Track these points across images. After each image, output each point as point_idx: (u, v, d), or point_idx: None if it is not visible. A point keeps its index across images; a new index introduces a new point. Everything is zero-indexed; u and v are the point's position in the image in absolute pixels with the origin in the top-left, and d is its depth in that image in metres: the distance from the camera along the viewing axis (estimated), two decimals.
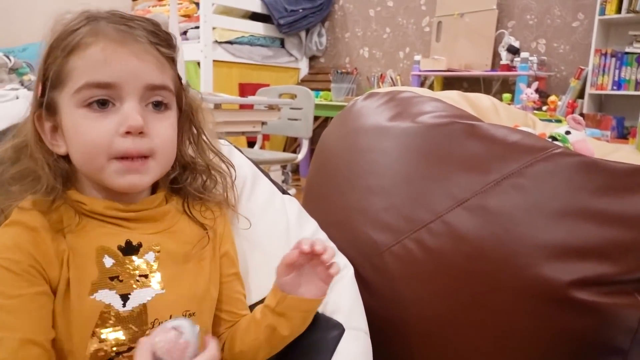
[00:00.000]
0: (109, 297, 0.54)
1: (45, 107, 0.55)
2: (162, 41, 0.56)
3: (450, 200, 0.85)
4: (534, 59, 2.97)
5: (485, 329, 0.82)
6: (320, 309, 0.78)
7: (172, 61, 0.59)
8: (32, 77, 2.35)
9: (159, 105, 0.57)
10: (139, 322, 0.55)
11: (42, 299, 0.51)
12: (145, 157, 0.55)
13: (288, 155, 2.71)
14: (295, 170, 3.57)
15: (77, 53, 0.53)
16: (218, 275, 0.66)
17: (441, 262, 0.83)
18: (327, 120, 3.83)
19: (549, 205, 0.79)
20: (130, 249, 0.57)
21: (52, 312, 0.52)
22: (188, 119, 0.64)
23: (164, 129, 0.57)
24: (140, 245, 0.58)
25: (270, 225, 0.81)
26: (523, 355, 0.81)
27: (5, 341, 0.47)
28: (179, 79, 0.62)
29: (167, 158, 0.59)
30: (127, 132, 0.53)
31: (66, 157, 0.57)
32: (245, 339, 0.64)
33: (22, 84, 2.26)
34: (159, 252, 0.59)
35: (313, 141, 2.51)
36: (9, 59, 2.31)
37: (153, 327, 0.55)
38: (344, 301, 0.79)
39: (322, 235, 0.87)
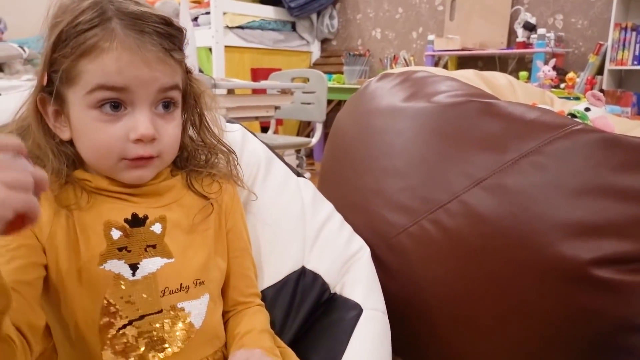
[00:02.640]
0: (118, 266, 0.55)
1: (50, 94, 0.55)
2: (174, 44, 0.56)
3: (468, 180, 0.84)
4: (551, 35, 2.90)
5: (504, 309, 0.82)
6: (337, 290, 0.79)
7: (183, 59, 0.59)
8: None
9: (168, 106, 0.58)
10: (149, 290, 0.56)
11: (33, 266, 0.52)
12: (153, 157, 0.57)
13: (302, 139, 2.70)
14: (309, 154, 3.56)
15: (90, 57, 0.52)
16: (225, 248, 0.66)
17: (459, 242, 0.82)
18: (340, 103, 3.80)
19: (568, 183, 0.78)
20: (136, 221, 0.58)
21: (63, 287, 0.54)
22: (191, 105, 0.65)
23: (171, 130, 0.58)
24: (146, 217, 0.59)
25: (285, 208, 0.81)
26: (542, 334, 0.80)
27: None
28: (186, 68, 0.62)
29: (172, 155, 0.61)
30: (138, 140, 0.54)
31: (69, 141, 0.58)
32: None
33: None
34: (165, 223, 0.60)
35: (326, 125, 2.50)
36: (24, 50, 2.33)
37: (164, 295, 0.56)
38: (360, 282, 0.79)
39: (338, 217, 0.87)
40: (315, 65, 4.12)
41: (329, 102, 3.34)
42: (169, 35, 0.55)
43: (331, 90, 2.94)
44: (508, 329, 0.83)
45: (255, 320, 0.66)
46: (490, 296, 0.81)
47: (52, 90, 0.54)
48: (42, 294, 0.53)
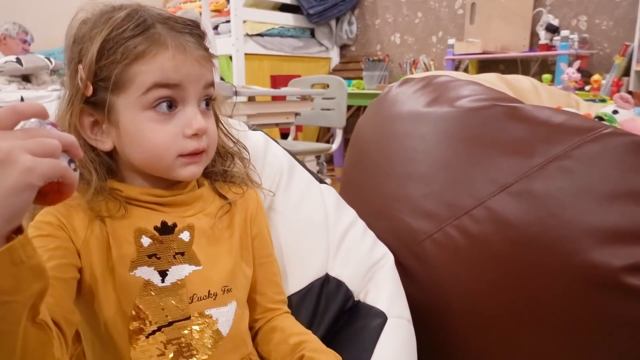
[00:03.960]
0: (148, 273, 0.56)
1: (95, 105, 0.56)
2: (205, 44, 0.60)
3: (493, 186, 0.82)
4: (575, 37, 2.85)
5: (531, 317, 0.80)
6: (361, 297, 0.78)
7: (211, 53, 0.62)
8: None
9: (208, 103, 0.61)
10: (178, 297, 0.57)
11: (68, 270, 0.53)
12: (203, 150, 0.60)
13: (322, 145, 2.70)
14: (330, 160, 3.56)
15: (144, 59, 0.54)
16: (251, 255, 0.67)
17: (484, 248, 0.81)
18: (359, 109, 3.80)
19: (598, 188, 0.76)
20: (166, 229, 0.59)
21: (95, 292, 0.55)
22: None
23: (212, 125, 0.61)
24: (175, 225, 0.60)
25: (308, 214, 0.81)
26: (572, 344, 0.78)
27: None
28: None
29: (214, 150, 0.64)
30: (194, 134, 0.57)
31: (108, 152, 0.59)
32: None
33: (63, 85, 2.34)
34: (193, 231, 0.61)
35: (346, 131, 2.50)
36: (50, 61, 2.39)
37: (192, 302, 0.57)
38: (384, 290, 0.78)
39: (361, 224, 0.87)
40: (335, 71, 4.12)
41: (349, 107, 3.33)
42: (201, 36, 0.59)
43: (351, 96, 2.94)
44: (536, 338, 0.81)
45: (298, 327, 0.67)
46: (517, 304, 0.79)
47: (94, 100, 0.55)
48: (75, 296, 0.54)
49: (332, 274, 0.77)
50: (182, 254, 0.59)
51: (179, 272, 0.58)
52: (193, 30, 0.58)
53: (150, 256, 0.57)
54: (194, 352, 0.56)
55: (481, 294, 0.82)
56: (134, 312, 0.55)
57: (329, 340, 0.73)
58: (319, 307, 0.74)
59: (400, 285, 0.81)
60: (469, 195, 0.85)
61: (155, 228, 0.59)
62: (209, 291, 0.59)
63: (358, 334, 0.72)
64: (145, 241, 0.58)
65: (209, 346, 0.57)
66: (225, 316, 0.59)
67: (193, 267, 0.59)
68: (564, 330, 0.78)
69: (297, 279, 0.75)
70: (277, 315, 0.68)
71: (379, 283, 0.78)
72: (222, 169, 0.68)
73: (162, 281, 0.57)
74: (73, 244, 0.54)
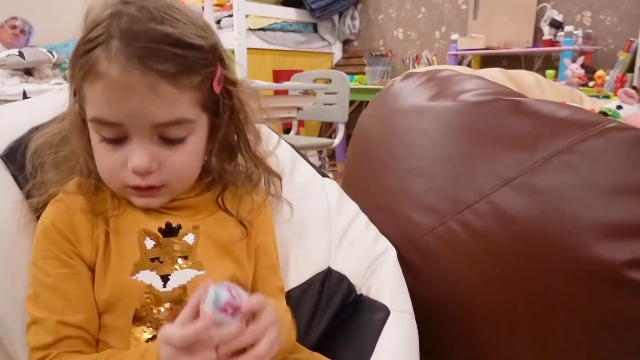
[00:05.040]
0: (150, 277, 0.56)
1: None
2: (185, 67, 0.50)
3: (496, 180, 0.82)
4: (579, 32, 2.83)
5: (534, 312, 0.80)
6: (364, 292, 0.78)
7: (200, 81, 0.53)
8: None
9: (170, 141, 0.53)
10: (179, 302, 0.56)
11: (77, 278, 0.54)
12: (156, 186, 0.55)
13: (324, 140, 2.70)
14: (332, 155, 3.56)
15: (88, 81, 0.50)
16: (252, 263, 0.65)
17: (487, 243, 0.81)
18: (362, 104, 3.79)
19: (602, 183, 0.75)
20: (170, 231, 0.58)
21: (97, 293, 0.55)
22: (225, 121, 0.60)
23: (178, 161, 0.54)
24: (179, 227, 0.59)
25: (311, 208, 0.81)
26: (575, 338, 0.78)
27: (46, 323, 0.52)
28: (222, 80, 0.57)
29: (183, 183, 0.59)
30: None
31: None
32: None
33: (66, 78, 2.34)
34: (198, 234, 0.60)
35: (349, 126, 2.49)
36: (53, 55, 2.39)
37: None
38: (387, 284, 0.78)
39: (363, 218, 0.86)
40: (337, 66, 4.11)
41: (351, 102, 3.32)
42: (177, 57, 0.49)
43: (353, 91, 2.93)
44: (538, 333, 0.81)
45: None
46: (519, 298, 0.79)
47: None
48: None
49: (335, 267, 0.77)
50: (186, 257, 0.58)
51: (181, 276, 0.57)
52: (167, 50, 0.48)
53: (153, 259, 0.57)
54: None
55: (483, 288, 0.82)
56: (134, 316, 0.54)
57: (330, 334, 0.73)
58: (320, 301, 0.74)
59: (402, 280, 0.80)
60: (471, 190, 0.85)
61: (160, 230, 0.58)
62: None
63: (360, 327, 0.72)
64: (149, 243, 0.57)
65: None
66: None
67: (196, 272, 0.58)
68: (566, 325, 0.78)
69: (299, 273, 0.75)
70: None
71: (381, 277, 0.78)
72: (238, 182, 0.64)
73: (164, 286, 0.56)
74: (76, 248, 0.55)
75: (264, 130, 0.81)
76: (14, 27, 3.18)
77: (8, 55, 2.22)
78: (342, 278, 0.76)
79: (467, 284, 0.83)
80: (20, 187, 0.61)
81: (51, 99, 0.74)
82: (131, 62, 0.47)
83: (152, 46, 0.48)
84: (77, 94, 0.53)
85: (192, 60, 0.51)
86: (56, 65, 2.47)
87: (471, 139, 0.90)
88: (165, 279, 0.56)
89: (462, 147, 0.91)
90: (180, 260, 0.58)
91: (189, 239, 0.59)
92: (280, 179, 0.69)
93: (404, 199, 0.94)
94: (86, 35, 0.50)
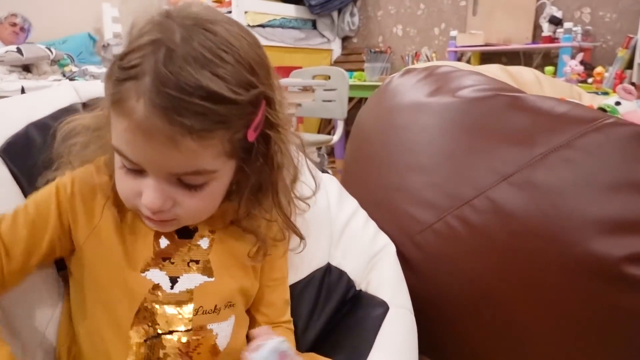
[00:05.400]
0: (158, 277, 0.55)
1: None
2: (215, 123, 0.46)
3: (494, 176, 0.82)
4: (578, 29, 2.83)
5: (532, 308, 0.80)
6: (363, 287, 0.78)
7: (231, 134, 0.49)
8: (73, 69, 2.42)
9: (188, 186, 0.50)
10: (184, 307, 0.55)
11: (42, 240, 0.54)
12: (169, 219, 0.53)
13: (323, 137, 2.70)
14: (330, 152, 3.56)
15: (115, 110, 0.47)
16: (258, 274, 0.64)
17: (485, 239, 0.81)
18: (361, 101, 3.78)
19: (600, 178, 0.76)
20: (186, 233, 0.57)
21: (99, 284, 0.54)
22: (259, 169, 0.55)
23: (193, 203, 0.51)
24: (196, 230, 0.58)
25: (310, 204, 0.81)
26: (573, 334, 0.78)
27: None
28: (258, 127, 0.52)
29: (196, 220, 0.57)
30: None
31: None
32: None
33: (64, 75, 2.34)
34: (213, 240, 0.59)
35: (348, 122, 2.49)
36: (51, 51, 2.38)
37: (197, 314, 0.55)
38: (386, 279, 0.78)
39: (362, 214, 0.86)
40: (336, 63, 4.10)
41: (350, 99, 3.32)
42: (208, 113, 0.45)
43: (352, 87, 2.92)
44: (537, 328, 0.81)
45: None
46: (518, 294, 0.79)
47: None
48: (77, 281, 0.55)
49: (334, 263, 0.77)
50: (197, 262, 0.57)
51: (189, 281, 0.56)
52: (196, 104, 0.44)
53: (164, 259, 0.56)
54: None
55: (482, 284, 0.82)
56: (137, 314, 0.53)
57: (330, 329, 0.73)
58: (320, 297, 0.74)
59: (401, 275, 0.81)
60: (469, 185, 0.85)
61: (176, 230, 0.57)
62: (216, 306, 0.56)
63: (359, 323, 0.72)
64: (163, 242, 0.56)
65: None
66: (225, 331, 0.57)
67: (205, 278, 0.57)
68: (565, 321, 0.78)
69: (298, 269, 0.75)
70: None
71: (380, 273, 0.78)
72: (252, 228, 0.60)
73: (172, 287, 0.55)
74: (72, 222, 0.55)
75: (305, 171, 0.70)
76: (14, 24, 3.16)
77: (6, 52, 2.21)
78: (341, 274, 0.76)
79: (466, 279, 0.84)
80: (18, 182, 0.61)
81: (48, 94, 0.74)
82: (157, 111, 0.44)
83: (183, 98, 0.43)
84: (108, 110, 0.50)
85: (226, 115, 0.46)
86: (55, 62, 2.47)
87: (470, 135, 0.90)
88: (173, 280, 0.55)
89: (460, 143, 0.91)
90: (191, 264, 0.57)
91: (204, 243, 0.58)
92: (302, 239, 0.65)
93: (403, 195, 0.95)
94: (124, 57, 0.47)
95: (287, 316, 0.67)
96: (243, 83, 0.47)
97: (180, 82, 0.44)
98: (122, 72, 0.46)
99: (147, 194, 0.49)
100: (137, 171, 0.50)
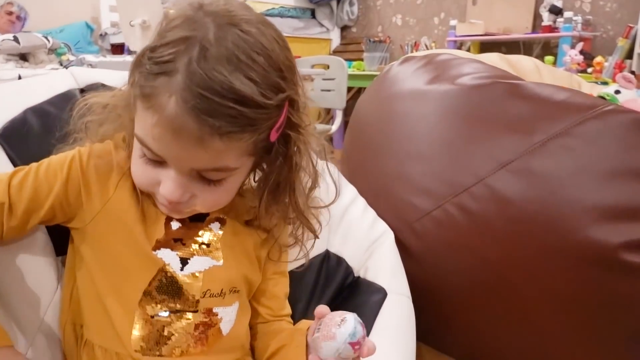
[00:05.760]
0: (169, 257, 0.55)
1: None
2: (244, 125, 0.46)
3: (493, 163, 0.82)
4: (578, 18, 2.82)
5: (530, 294, 0.80)
6: (361, 274, 0.78)
7: (257, 135, 0.49)
8: (70, 57, 2.41)
9: (207, 180, 0.51)
10: (192, 288, 0.55)
11: (43, 208, 0.54)
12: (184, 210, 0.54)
13: (321, 126, 2.69)
14: (329, 142, 3.55)
15: (143, 103, 0.47)
16: (262, 265, 0.64)
17: (484, 226, 0.81)
18: (360, 91, 3.77)
19: (598, 166, 0.76)
20: (198, 216, 0.58)
21: (108, 259, 0.55)
22: (279, 168, 0.56)
23: (210, 197, 0.53)
24: (207, 214, 0.59)
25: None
26: (571, 321, 0.79)
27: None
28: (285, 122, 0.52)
29: (214, 209, 0.57)
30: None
31: None
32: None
33: (61, 64, 2.32)
34: (224, 224, 0.60)
35: (346, 112, 2.48)
36: (48, 40, 2.36)
37: (204, 297, 0.56)
38: (384, 266, 0.78)
39: (361, 201, 0.87)
40: (335, 52, 4.09)
41: (349, 89, 3.31)
42: (237, 116, 0.45)
43: (351, 77, 2.91)
44: (535, 316, 0.82)
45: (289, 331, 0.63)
46: (516, 281, 0.80)
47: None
48: (85, 256, 0.55)
49: (333, 250, 0.77)
50: (208, 245, 0.58)
51: (199, 263, 0.56)
52: (226, 107, 0.44)
53: (176, 240, 0.56)
54: (191, 345, 0.54)
55: (480, 271, 0.83)
56: (146, 291, 0.54)
57: None
58: (318, 283, 0.75)
59: (400, 262, 0.81)
60: (468, 173, 0.85)
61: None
62: (222, 289, 0.57)
63: (358, 309, 0.71)
64: (175, 225, 0.57)
65: (208, 343, 0.56)
66: (229, 316, 0.58)
67: (214, 262, 0.57)
68: (563, 307, 0.79)
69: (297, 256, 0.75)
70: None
71: (379, 260, 0.78)
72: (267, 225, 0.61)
73: (182, 269, 0.55)
74: (74, 198, 0.55)
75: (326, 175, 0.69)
76: (10, 13, 3.14)
77: (3, 40, 2.19)
78: (340, 260, 0.77)
79: (464, 266, 0.84)
80: (15, 166, 0.61)
81: (46, 80, 0.74)
82: (188, 110, 0.44)
83: (215, 99, 0.44)
84: (132, 100, 0.50)
85: (254, 118, 0.47)
86: (52, 51, 2.45)
87: (469, 123, 0.90)
88: (184, 261, 0.56)
89: (459, 131, 0.91)
90: (201, 247, 0.57)
91: (215, 227, 0.59)
92: (317, 237, 0.65)
93: (402, 182, 0.95)
94: (156, 48, 0.46)
95: (288, 309, 0.67)
96: (272, 87, 0.48)
97: (214, 83, 0.44)
98: (154, 66, 0.46)
99: (166, 185, 0.50)
100: (158, 162, 0.50)
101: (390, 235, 0.83)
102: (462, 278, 0.85)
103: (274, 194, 0.58)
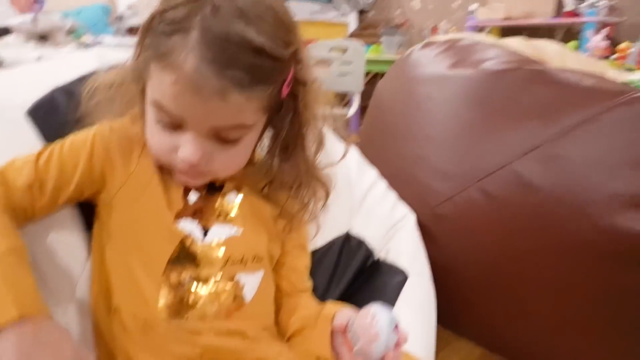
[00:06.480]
0: (190, 227, 0.57)
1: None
2: (261, 78, 0.48)
3: (518, 149, 0.81)
4: (603, 3, 2.75)
5: (553, 280, 0.80)
6: (382, 256, 0.78)
7: (272, 89, 0.51)
8: (88, 39, 2.42)
9: (225, 140, 0.52)
10: (214, 256, 0.57)
11: (69, 185, 0.55)
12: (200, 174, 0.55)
13: (338, 111, 2.68)
14: (345, 127, 3.54)
15: (158, 65, 0.48)
16: (280, 237, 0.65)
17: (507, 211, 0.80)
18: (376, 76, 3.74)
19: (626, 153, 0.74)
20: (214, 188, 0.60)
21: (134, 230, 0.56)
22: (289, 124, 0.58)
23: (227, 157, 0.54)
24: (222, 186, 0.60)
25: (331, 172, 0.81)
26: (593, 307, 0.79)
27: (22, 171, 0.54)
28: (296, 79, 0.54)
29: (227, 174, 0.59)
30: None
31: None
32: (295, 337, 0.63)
33: (81, 45, 2.33)
34: (241, 194, 0.61)
35: (363, 97, 2.47)
36: (67, 22, 2.37)
37: (226, 264, 0.57)
38: (405, 248, 0.79)
39: (382, 184, 0.86)
40: (352, 36, 4.04)
41: (366, 74, 3.29)
42: (255, 67, 0.47)
43: (368, 62, 2.88)
44: (556, 303, 0.81)
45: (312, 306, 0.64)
46: (538, 268, 0.79)
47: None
48: (111, 228, 0.56)
49: (354, 232, 0.77)
50: (226, 214, 0.59)
51: (219, 232, 0.58)
52: (243, 58, 0.46)
53: (195, 211, 0.58)
54: (215, 310, 0.56)
55: (501, 257, 0.82)
56: (169, 261, 0.55)
57: (348, 297, 0.74)
58: (339, 265, 0.75)
59: (420, 245, 0.81)
60: (492, 158, 0.84)
61: (205, 185, 0.59)
62: (243, 257, 0.58)
63: (378, 291, 0.73)
64: (193, 197, 0.58)
65: (231, 309, 0.57)
66: (252, 284, 0.59)
67: (234, 230, 0.59)
68: (587, 292, 0.78)
69: (318, 237, 0.75)
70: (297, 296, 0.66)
71: (400, 242, 0.78)
72: (283, 185, 0.62)
73: (203, 237, 0.57)
74: (99, 174, 0.56)
75: (329, 138, 0.72)
76: None
77: (22, 22, 2.21)
78: (360, 242, 0.77)
79: (485, 251, 0.84)
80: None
81: (73, 60, 0.74)
82: (207, 64, 0.45)
83: (233, 51, 0.45)
84: (142, 66, 0.51)
85: (270, 70, 0.49)
86: (70, 32, 2.46)
87: (493, 108, 0.89)
88: (204, 230, 0.57)
89: (483, 115, 0.90)
90: (220, 216, 0.59)
91: (232, 197, 0.61)
92: (327, 195, 0.66)
93: (423, 166, 0.94)
94: (166, 11, 0.47)
95: (309, 283, 0.68)
96: (282, 41, 0.49)
97: (230, 36, 0.45)
98: (167, 27, 0.47)
99: (185, 148, 0.51)
100: (175, 126, 0.51)
101: (411, 218, 0.83)
102: (482, 262, 0.85)
103: (285, 153, 0.60)
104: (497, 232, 0.82)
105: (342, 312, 0.56)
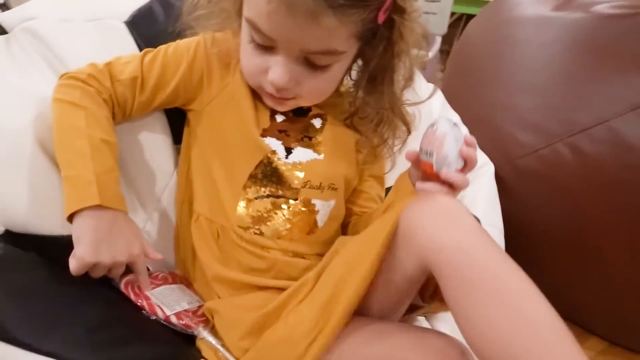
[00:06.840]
0: (275, 144, 0.58)
1: None
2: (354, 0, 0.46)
3: (621, 104, 0.75)
4: None
5: (635, 246, 0.75)
6: None
7: (367, 13, 0.48)
8: None
9: (315, 66, 0.52)
10: (294, 177, 0.58)
11: (163, 91, 0.58)
12: (287, 98, 0.55)
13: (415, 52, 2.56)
14: (422, 70, 3.40)
15: None
16: (360, 166, 0.65)
17: (598, 170, 0.75)
18: (461, 18, 3.51)
19: None
20: (300, 110, 0.60)
21: (221, 139, 0.58)
22: (381, 55, 0.56)
23: (315, 84, 0.54)
24: (309, 109, 0.61)
25: (415, 112, 0.78)
26: None
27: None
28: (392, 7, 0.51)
29: (314, 101, 0.59)
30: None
31: None
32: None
33: None
34: (325, 121, 0.61)
35: (444, 41, 2.33)
36: None
37: (304, 187, 0.58)
38: (480, 197, 0.76)
39: (464, 130, 0.83)
40: None
41: (451, 15, 3.09)
42: None
43: (457, 0, 2.70)
44: (634, 271, 0.77)
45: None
46: (624, 231, 0.75)
47: None
48: (206, 133, 0.59)
49: None
50: (310, 138, 0.60)
51: (302, 154, 0.59)
52: None
53: (280, 131, 0.59)
54: (288, 228, 0.57)
55: (583, 216, 0.78)
56: (251, 174, 0.57)
57: None
58: None
59: (496, 195, 0.78)
60: (589, 112, 0.78)
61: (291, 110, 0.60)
62: (321, 183, 0.59)
63: None
64: (279, 117, 0.59)
65: (304, 231, 0.58)
66: (325, 210, 0.60)
67: (315, 155, 0.59)
68: None
69: (394, 175, 0.75)
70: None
71: (476, 190, 0.76)
72: (365, 121, 0.62)
73: (286, 157, 0.58)
74: (197, 81, 0.58)
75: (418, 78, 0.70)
76: None
77: None
78: None
79: (567, 210, 0.80)
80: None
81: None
82: None
83: None
84: None
85: None
86: None
87: (599, 57, 0.82)
88: (288, 150, 0.58)
89: (586, 65, 0.82)
90: (304, 140, 0.60)
91: (316, 122, 0.61)
92: (409, 133, 0.64)
93: (509, 115, 0.89)
94: None
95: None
96: None
97: None
98: None
99: (274, 70, 0.51)
100: (267, 47, 0.51)
101: (490, 168, 0.80)
102: (562, 221, 0.81)
103: (373, 83, 0.59)
104: (586, 191, 0.77)
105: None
